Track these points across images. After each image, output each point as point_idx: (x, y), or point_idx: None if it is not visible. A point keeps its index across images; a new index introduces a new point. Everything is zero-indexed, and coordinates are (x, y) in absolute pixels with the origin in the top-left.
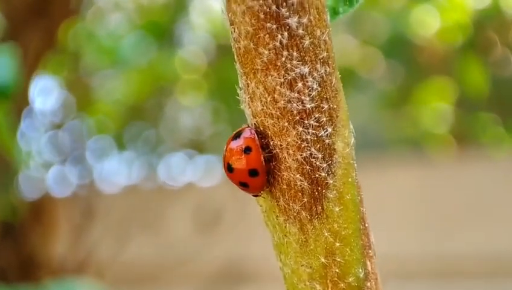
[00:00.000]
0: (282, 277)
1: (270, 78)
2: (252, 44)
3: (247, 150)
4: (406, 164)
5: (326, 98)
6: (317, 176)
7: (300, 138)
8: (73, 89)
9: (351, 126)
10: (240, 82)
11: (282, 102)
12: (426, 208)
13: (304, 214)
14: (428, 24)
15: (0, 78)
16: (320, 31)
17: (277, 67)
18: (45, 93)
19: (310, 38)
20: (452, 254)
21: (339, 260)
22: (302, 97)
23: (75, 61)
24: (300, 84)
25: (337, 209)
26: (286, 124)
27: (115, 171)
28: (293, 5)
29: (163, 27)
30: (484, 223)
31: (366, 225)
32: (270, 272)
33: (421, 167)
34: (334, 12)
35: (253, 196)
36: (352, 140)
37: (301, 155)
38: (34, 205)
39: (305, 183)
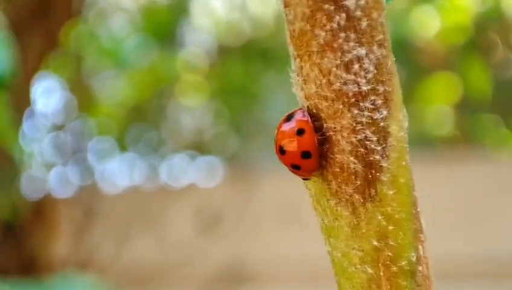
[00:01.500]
0: (330, 261)
1: (326, 60)
2: (308, 26)
3: (299, 132)
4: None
5: (382, 81)
6: (371, 158)
7: (355, 120)
8: (75, 90)
9: (405, 110)
10: (292, 64)
11: (338, 84)
12: (425, 208)
13: (356, 197)
14: (429, 25)
15: None
16: (377, 13)
17: (334, 49)
18: (47, 94)
19: (367, 20)
20: (451, 255)
21: (391, 243)
22: (358, 79)
23: (77, 63)
24: (356, 66)
25: (390, 192)
26: (341, 106)
27: (117, 172)
28: None
29: (165, 28)
30: (484, 223)
31: (418, 209)
32: (271, 273)
33: (421, 167)
34: None
35: (304, 179)
36: (406, 124)
37: (355, 138)
38: (35, 206)
39: (359, 166)
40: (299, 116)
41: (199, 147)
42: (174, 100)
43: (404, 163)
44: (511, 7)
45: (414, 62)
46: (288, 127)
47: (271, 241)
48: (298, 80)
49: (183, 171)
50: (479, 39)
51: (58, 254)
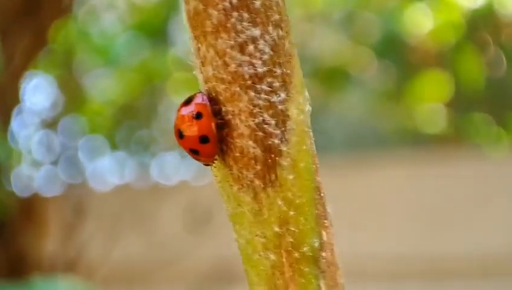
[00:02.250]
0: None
1: (220, 40)
2: (201, 5)
3: (198, 116)
4: (395, 163)
5: (279, 63)
6: (270, 143)
7: (252, 103)
8: (65, 87)
9: (307, 93)
10: (191, 46)
11: (233, 66)
12: (417, 207)
13: (257, 182)
14: (422, 23)
15: None
16: None
17: (227, 29)
18: (36, 92)
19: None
20: (443, 254)
21: (292, 229)
22: (254, 61)
23: (67, 60)
24: (251, 47)
25: (290, 177)
26: (238, 89)
27: (107, 170)
28: None
29: (155, 25)
30: (475, 222)
31: (322, 194)
32: None
33: (412, 166)
34: None
35: (205, 165)
36: (308, 107)
37: (253, 121)
38: (24, 204)
39: (258, 151)
40: (198, 100)
41: None
42: (165, 98)
43: (304, 147)
44: (503, 5)
45: (406, 60)
46: (186, 110)
47: None
48: (196, 62)
49: (173, 169)
50: (471, 37)
51: (47, 252)
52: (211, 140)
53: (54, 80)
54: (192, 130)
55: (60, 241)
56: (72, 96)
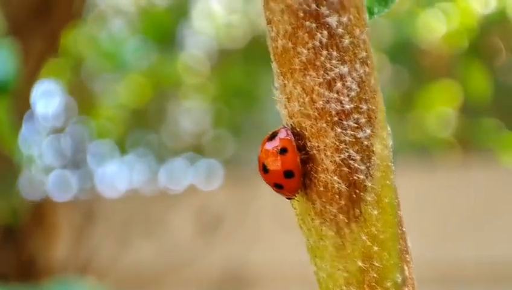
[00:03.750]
0: (316, 281)
1: (308, 78)
2: (290, 43)
3: (283, 151)
4: (407, 170)
5: (365, 99)
6: (355, 178)
7: (338, 139)
8: (75, 92)
9: (389, 128)
10: (275, 82)
11: (321, 102)
12: (427, 213)
13: (341, 217)
14: (434, 28)
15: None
16: (360, 30)
17: (316, 66)
18: (47, 97)
19: (349, 38)
20: (453, 260)
21: (376, 264)
22: (341, 98)
23: (77, 65)
24: (339, 84)
25: (375, 212)
26: (324, 125)
27: (116, 175)
28: (333, 3)
29: (165, 31)
30: (486, 228)
31: (404, 229)
32: (271, 276)
33: (422, 173)
34: (370, 13)
35: (288, 198)
36: (391, 142)
37: (339, 157)
38: (35, 209)
39: (343, 186)
40: (282, 134)
41: (199, 150)
42: (174, 103)
43: (388, 182)
44: None
45: (418, 65)
46: (271, 145)
47: (271, 245)
48: (281, 98)
49: (183, 174)
50: (482, 43)
51: (57, 257)
52: (295, 175)
53: (64, 85)
54: (277, 165)
55: (71, 246)
56: (82, 101)
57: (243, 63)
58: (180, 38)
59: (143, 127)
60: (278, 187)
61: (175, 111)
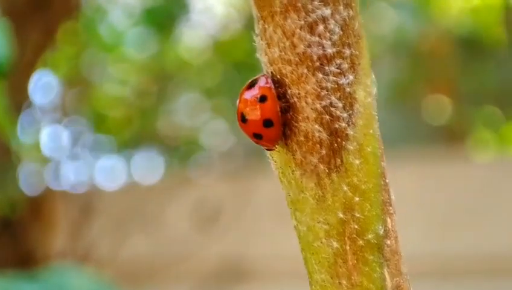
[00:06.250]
0: (296, 237)
1: (289, 20)
2: None
3: (262, 99)
4: (403, 161)
5: (349, 44)
6: (336, 126)
7: (320, 85)
8: (74, 84)
9: (373, 76)
10: (256, 28)
11: (302, 46)
12: (426, 206)
13: (321, 167)
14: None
15: None
16: None
17: (297, 8)
18: (45, 88)
19: None
20: (452, 253)
21: (358, 215)
22: (323, 41)
23: (76, 56)
24: (321, 27)
25: (357, 162)
26: (305, 70)
27: (114, 167)
28: None
29: (163, 15)
30: (483, 222)
31: (387, 180)
32: (269, 270)
33: (419, 165)
34: None
35: (267, 149)
36: (375, 90)
37: (320, 104)
38: (33, 201)
39: (324, 134)
40: (262, 82)
41: (197, 143)
42: (172, 96)
43: (371, 131)
44: None
45: (418, 54)
46: (250, 94)
47: (269, 238)
48: (262, 44)
49: (181, 167)
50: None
51: (55, 249)
52: (275, 124)
53: (62, 76)
54: (255, 114)
55: (69, 238)
56: (80, 93)
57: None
58: (180, 22)
59: (141, 120)
60: (257, 137)
61: (173, 103)
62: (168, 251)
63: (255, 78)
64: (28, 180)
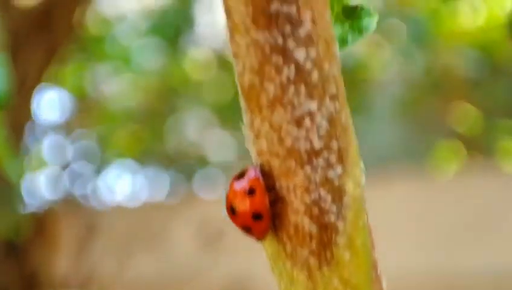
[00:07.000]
0: None
1: (276, 115)
2: (257, 78)
3: (251, 191)
4: (407, 178)
5: (336, 136)
6: (326, 220)
7: (308, 179)
8: (81, 100)
9: (362, 164)
10: (244, 118)
11: (289, 140)
12: (429, 222)
13: (312, 260)
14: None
15: None
16: (329, 64)
17: (283, 103)
18: (49, 106)
19: (318, 72)
20: (456, 270)
21: None
22: (311, 135)
23: (83, 73)
24: (308, 122)
25: (347, 255)
26: (293, 164)
27: (119, 187)
28: (300, 37)
29: (170, 30)
30: (489, 238)
31: (378, 272)
32: (274, 288)
33: (424, 180)
34: (343, 43)
35: (257, 240)
36: (363, 179)
37: (309, 197)
38: (36, 221)
39: (314, 228)
40: (251, 174)
41: (201, 159)
42: (179, 112)
43: (361, 223)
44: None
45: (432, 65)
46: (239, 185)
47: None
48: (250, 135)
49: (187, 183)
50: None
51: (59, 270)
52: (264, 217)
53: (67, 93)
54: (245, 207)
55: (72, 259)
56: (85, 110)
57: None
58: (187, 37)
59: (147, 136)
60: (246, 230)
61: (179, 120)
62: (173, 271)
63: (244, 168)
64: (31, 199)
